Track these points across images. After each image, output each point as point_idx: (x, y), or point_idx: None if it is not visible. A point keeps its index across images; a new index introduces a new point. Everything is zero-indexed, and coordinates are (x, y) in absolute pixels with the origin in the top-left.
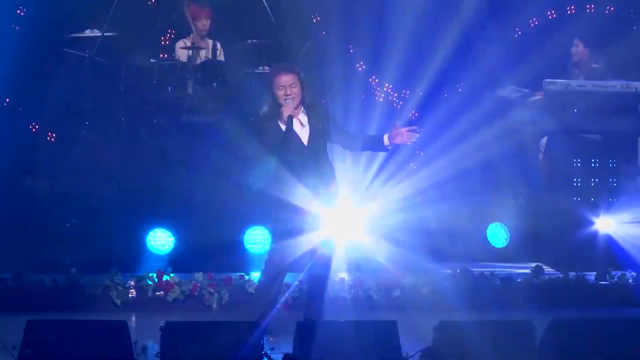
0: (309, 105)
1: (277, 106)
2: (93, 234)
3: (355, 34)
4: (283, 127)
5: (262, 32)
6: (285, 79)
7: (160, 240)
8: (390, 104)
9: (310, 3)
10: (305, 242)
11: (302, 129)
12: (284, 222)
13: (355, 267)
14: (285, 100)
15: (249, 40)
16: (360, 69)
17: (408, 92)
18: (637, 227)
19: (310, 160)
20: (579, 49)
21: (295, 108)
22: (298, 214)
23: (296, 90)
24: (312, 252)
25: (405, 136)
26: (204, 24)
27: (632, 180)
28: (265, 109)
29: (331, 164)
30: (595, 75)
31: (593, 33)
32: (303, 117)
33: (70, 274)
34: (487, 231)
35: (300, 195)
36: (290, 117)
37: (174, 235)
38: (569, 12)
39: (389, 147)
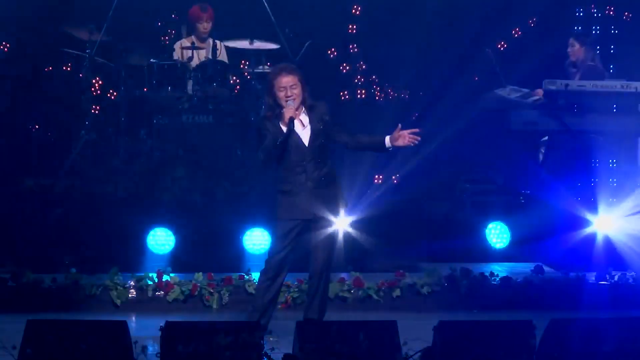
0: (309, 105)
1: (277, 107)
2: (93, 234)
3: (356, 34)
4: (284, 128)
5: (262, 32)
6: (286, 80)
7: (160, 240)
8: (390, 103)
9: (311, 2)
10: (305, 242)
11: (302, 130)
12: (284, 222)
13: (355, 266)
14: (287, 101)
15: (250, 41)
16: (360, 69)
17: (408, 92)
18: (637, 227)
19: (310, 161)
20: (575, 48)
21: (296, 109)
22: (298, 214)
23: (297, 91)
24: (312, 252)
25: (407, 139)
26: (205, 26)
27: (632, 180)
28: (265, 109)
29: (331, 164)
30: (593, 73)
31: (588, 32)
32: (304, 118)
33: (70, 274)
34: (487, 231)
35: (301, 195)
36: (292, 119)
37: (174, 235)
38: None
39: (390, 149)
